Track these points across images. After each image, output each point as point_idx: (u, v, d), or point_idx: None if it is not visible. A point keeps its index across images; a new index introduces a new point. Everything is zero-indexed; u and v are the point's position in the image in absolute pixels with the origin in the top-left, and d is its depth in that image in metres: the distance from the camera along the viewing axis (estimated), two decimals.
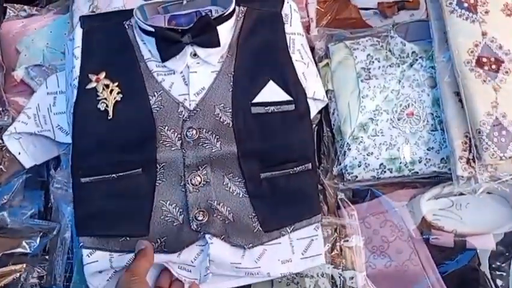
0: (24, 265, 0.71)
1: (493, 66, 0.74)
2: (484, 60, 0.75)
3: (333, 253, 0.78)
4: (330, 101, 0.88)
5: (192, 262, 0.72)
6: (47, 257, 0.78)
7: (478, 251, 0.78)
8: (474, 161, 0.74)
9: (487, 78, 0.74)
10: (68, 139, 0.79)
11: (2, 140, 0.83)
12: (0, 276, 0.70)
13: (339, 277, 0.77)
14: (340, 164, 0.84)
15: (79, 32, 0.78)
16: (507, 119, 0.73)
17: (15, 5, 1.05)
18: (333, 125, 0.87)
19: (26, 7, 1.06)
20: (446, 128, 0.79)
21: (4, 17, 1.01)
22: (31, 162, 0.85)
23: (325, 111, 0.89)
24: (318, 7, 1.05)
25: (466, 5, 0.77)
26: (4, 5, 1.01)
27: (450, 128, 0.78)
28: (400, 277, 0.79)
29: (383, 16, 1.05)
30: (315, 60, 0.88)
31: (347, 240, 0.79)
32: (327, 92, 0.88)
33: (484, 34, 0.76)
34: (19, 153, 0.84)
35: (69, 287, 0.74)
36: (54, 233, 0.75)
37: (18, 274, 0.73)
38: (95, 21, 0.79)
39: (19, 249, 0.71)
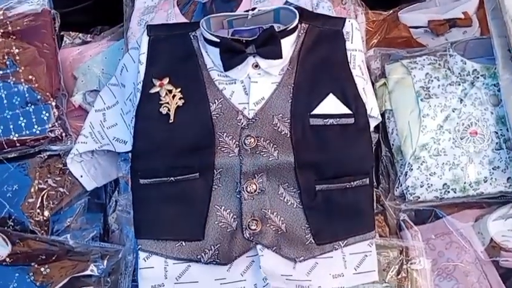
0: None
1: None
2: None
3: (399, 276, 0.76)
4: (389, 120, 0.87)
5: (242, 275, 0.73)
6: (108, 279, 0.78)
7: None
8: None
9: None
10: (128, 148, 0.81)
11: (65, 164, 0.85)
12: None
13: None
14: (401, 185, 0.83)
15: (145, 40, 0.80)
16: None
17: (70, 32, 1.08)
18: (392, 145, 0.86)
19: (80, 35, 1.10)
20: None
21: (61, 44, 1.04)
22: (92, 184, 0.87)
23: (383, 131, 0.88)
24: (368, 27, 1.05)
25: None
26: (61, 33, 1.04)
27: None
28: None
29: (434, 34, 1.04)
30: (371, 79, 0.88)
31: (414, 263, 0.77)
32: (385, 111, 0.87)
33: None
34: (81, 176, 0.86)
35: None
36: (120, 255, 0.75)
37: None
38: (161, 31, 0.81)
39: (87, 272, 0.72)
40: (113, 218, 0.88)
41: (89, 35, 1.10)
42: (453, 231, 0.81)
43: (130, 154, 0.85)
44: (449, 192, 0.81)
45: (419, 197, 0.82)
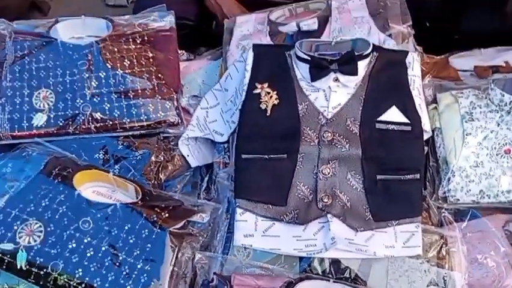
0: (198, 231, 0.93)
1: None
2: None
3: (439, 255, 0.94)
4: (437, 136, 1.07)
5: (314, 235, 0.92)
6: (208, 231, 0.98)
7: None
8: None
9: None
10: (224, 139, 1.06)
11: (176, 144, 1.08)
12: (184, 235, 0.91)
13: (443, 277, 0.92)
14: (444, 188, 1.01)
15: (250, 54, 1.04)
16: None
17: (178, 50, 1.35)
18: (439, 156, 1.06)
19: (185, 52, 1.36)
20: None
21: None
22: (195, 163, 1.10)
23: (432, 145, 1.08)
24: (422, 67, 1.26)
25: None
26: None
27: None
28: (495, 286, 0.93)
29: (478, 77, 1.24)
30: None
31: (451, 247, 0.94)
32: (434, 129, 1.07)
33: None
34: (188, 155, 1.09)
35: (227, 253, 0.95)
36: (220, 212, 0.97)
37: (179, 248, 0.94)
38: (263, 49, 1.06)
39: (197, 219, 0.93)
40: (204, 194, 1.10)
41: (191, 54, 1.37)
42: (486, 230, 0.98)
43: (224, 145, 1.09)
44: (484, 197, 1.00)
45: (458, 200, 1.01)
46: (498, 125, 1.03)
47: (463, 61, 1.28)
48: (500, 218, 0.99)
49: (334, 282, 0.88)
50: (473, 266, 0.96)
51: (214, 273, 0.89)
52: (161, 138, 1.09)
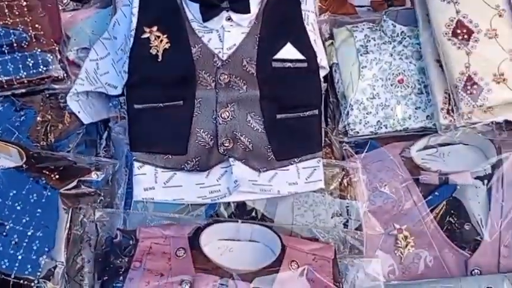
0: (94, 190, 0.87)
1: (465, 36, 0.95)
2: (458, 31, 0.95)
3: (341, 186, 0.96)
4: (335, 72, 1.07)
5: (218, 181, 0.91)
6: (106, 187, 0.93)
7: (458, 186, 0.96)
8: (453, 111, 0.94)
9: (461, 45, 0.95)
10: (118, 92, 0.97)
11: (65, 101, 1.00)
12: (78, 195, 0.85)
13: (346, 207, 0.95)
14: (344, 122, 1.03)
15: None
16: (477, 76, 0.94)
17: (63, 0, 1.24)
18: (338, 91, 1.06)
19: (71, 2, 1.25)
20: (430, 87, 0.99)
21: None
22: (88, 119, 1.02)
23: (331, 82, 1.08)
24: (320, 4, 1.25)
25: None
26: None
27: (433, 86, 0.98)
28: (395, 211, 0.97)
29: (374, 12, 1.25)
30: (321, 39, 1.07)
31: (352, 177, 0.97)
32: (332, 65, 1.07)
33: (457, 12, 0.97)
34: (79, 112, 1.01)
35: (128, 209, 0.91)
36: (116, 167, 0.92)
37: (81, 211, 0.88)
38: None
39: (91, 177, 0.87)
40: (103, 152, 1.04)
41: (78, 4, 1.26)
42: (384, 158, 1.01)
43: (120, 98, 1.02)
44: (381, 128, 1.02)
45: (358, 132, 1.02)
46: (391, 55, 1.05)
47: None
48: (397, 146, 1.03)
49: (242, 222, 0.87)
50: (374, 194, 1.00)
51: (118, 229, 0.85)
52: (47, 95, 1.01)
